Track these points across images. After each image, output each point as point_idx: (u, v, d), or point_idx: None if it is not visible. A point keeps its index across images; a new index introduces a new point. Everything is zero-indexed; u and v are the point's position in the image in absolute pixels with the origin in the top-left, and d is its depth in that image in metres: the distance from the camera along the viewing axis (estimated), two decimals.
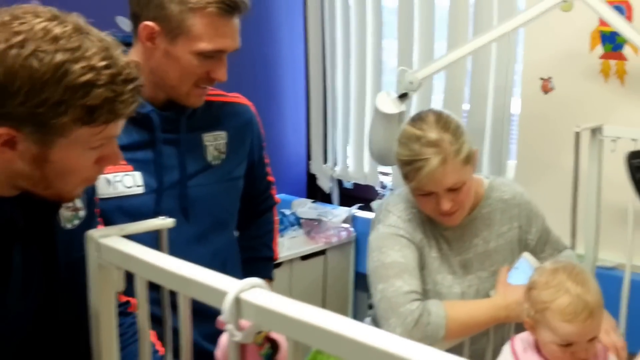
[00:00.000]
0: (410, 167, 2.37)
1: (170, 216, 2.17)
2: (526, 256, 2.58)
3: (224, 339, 1.55)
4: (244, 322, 1.21)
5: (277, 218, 2.90)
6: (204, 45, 2.19)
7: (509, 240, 2.63)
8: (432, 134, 2.37)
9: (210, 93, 2.37)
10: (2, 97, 1.43)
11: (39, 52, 1.42)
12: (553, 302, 2.13)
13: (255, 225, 2.80)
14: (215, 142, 2.43)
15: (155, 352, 1.86)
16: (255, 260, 2.76)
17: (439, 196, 2.40)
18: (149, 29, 2.17)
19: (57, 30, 1.45)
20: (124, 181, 2.25)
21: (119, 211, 2.21)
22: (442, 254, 2.55)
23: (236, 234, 2.71)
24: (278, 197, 4.58)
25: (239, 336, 1.20)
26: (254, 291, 1.20)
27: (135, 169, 2.26)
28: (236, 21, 2.25)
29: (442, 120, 2.42)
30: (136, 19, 2.21)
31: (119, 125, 1.57)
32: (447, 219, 2.48)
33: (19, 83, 1.41)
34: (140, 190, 2.28)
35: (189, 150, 2.37)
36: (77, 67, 1.44)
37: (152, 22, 2.16)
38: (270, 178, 2.79)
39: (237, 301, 1.19)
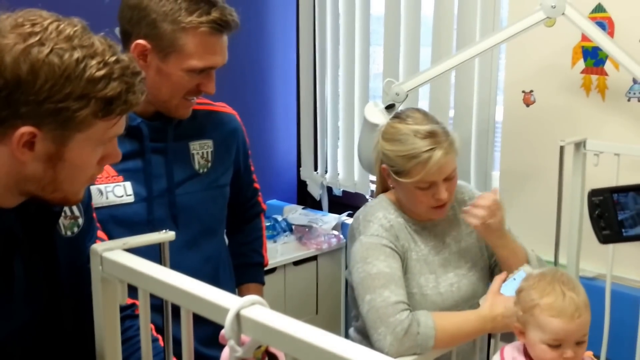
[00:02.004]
0: (416, 161, 2.43)
1: (162, 224, 2.23)
2: (526, 269, 2.60)
3: (225, 354, 1.60)
4: (245, 337, 1.24)
5: (265, 224, 2.93)
6: (195, 63, 2.22)
7: (476, 239, 2.70)
8: (427, 126, 2.45)
9: (196, 102, 2.40)
10: (24, 94, 1.48)
11: (57, 49, 1.49)
12: (541, 299, 2.17)
13: (244, 232, 2.84)
14: (201, 151, 2.47)
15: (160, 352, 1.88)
16: (246, 266, 2.80)
17: (437, 186, 2.46)
18: (140, 47, 2.20)
19: (69, 29, 1.53)
20: (115, 191, 2.29)
21: (112, 220, 2.25)
22: (421, 255, 2.59)
23: (227, 240, 2.76)
24: (269, 202, 4.63)
25: (240, 352, 1.23)
26: (254, 308, 1.22)
27: (125, 179, 2.30)
28: (225, 38, 2.28)
29: (429, 116, 2.53)
30: (127, 37, 2.24)
31: (124, 123, 1.64)
32: (439, 212, 2.55)
33: (43, 79, 1.48)
34: (130, 199, 2.31)
35: (176, 158, 2.40)
36: (93, 62, 1.52)
37: (144, 40, 2.19)
38: (257, 185, 2.83)
39: (238, 317, 1.21)
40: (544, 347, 2.18)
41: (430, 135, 2.44)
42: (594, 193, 2.07)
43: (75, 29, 1.55)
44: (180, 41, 2.20)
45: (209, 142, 2.50)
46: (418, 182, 2.46)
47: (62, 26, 1.54)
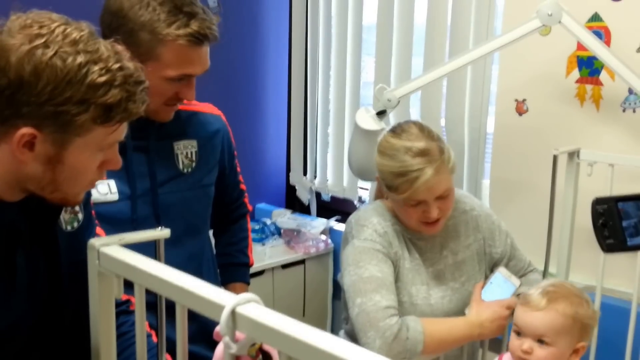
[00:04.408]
0: (403, 179, 2.39)
1: (145, 222, 2.27)
2: (501, 271, 2.63)
3: (219, 350, 1.60)
4: (239, 334, 1.24)
5: (250, 225, 2.96)
6: (172, 72, 2.24)
7: (475, 252, 2.68)
8: (421, 143, 2.41)
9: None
10: (26, 95, 1.50)
11: (61, 53, 1.51)
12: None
13: (229, 233, 2.87)
14: (185, 151, 2.48)
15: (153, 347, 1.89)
16: (231, 266, 2.83)
17: (428, 205, 2.43)
18: None
19: (75, 34, 1.55)
20: (99, 188, 2.29)
21: (95, 217, 2.26)
22: (414, 265, 2.57)
23: (213, 241, 2.79)
24: (258, 206, 4.64)
25: (234, 348, 1.23)
26: (249, 305, 1.22)
27: (108, 177, 2.30)
28: (205, 48, 2.29)
29: (426, 130, 2.47)
30: None
31: (124, 130, 1.65)
32: (430, 228, 2.51)
33: (44, 81, 1.49)
34: (114, 197, 2.33)
35: (159, 158, 2.42)
36: (96, 68, 1.53)
37: (122, 47, 2.20)
38: (243, 186, 2.84)
39: (234, 314, 1.22)
40: (512, 335, 2.23)
41: (422, 153, 2.40)
42: (598, 201, 2.06)
43: (82, 33, 1.57)
44: (157, 51, 2.21)
45: (193, 142, 2.51)
46: (406, 199, 2.44)
47: (68, 30, 1.55)
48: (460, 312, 2.60)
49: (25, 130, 1.52)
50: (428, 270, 2.60)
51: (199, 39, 2.23)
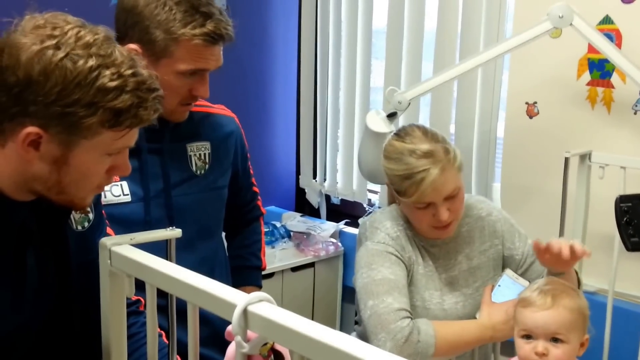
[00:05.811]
0: (410, 181, 2.39)
1: (159, 224, 2.24)
2: (508, 273, 2.61)
3: (231, 350, 1.60)
4: (251, 333, 1.24)
5: (264, 229, 2.94)
6: (185, 67, 2.23)
7: (491, 258, 2.66)
8: (425, 145, 2.41)
9: (195, 104, 2.40)
10: (34, 94, 1.50)
11: (73, 55, 1.51)
12: (522, 294, 2.24)
13: (242, 235, 2.85)
14: (199, 152, 2.47)
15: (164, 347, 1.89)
16: (244, 269, 2.81)
17: (437, 207, 2.42)
18: (132, 50, 2.21)
19: (89, 37, 1.55)
20: (112, 190, 2.29)
21: (109, 219, 2.24)
22: (428, 270, 2.56)
23: (226, 243, 2.77)
24: (268, 209, 4.63)
25: (246, 348, 1.23)
26: (261, 304, 1.23)
27: (122, 179, 2.30)
28: (219, 47, 2.29)
29: (429, 133, 2.47)
30: (120, 40, 2.21)
31: (134, 136, 1.64)
32: (442, 231, 2.51)
33: (52, 82, 1.49)
34: (127, 198, 2.33)
35: (173, 159, 2.41)
36: (107, 72, 1.52)
37: (136, 45, 2.20)
38: (256, 189, 2.83)
39: (245, 313, 1.22)
40: (519, 342, 2.21)
41: (427, 155, 2.40)
42: (622, 199, 2.05)
43: (96, 37, 1.56)
44: (171, 48, 2.21)
45: (207, 144, 2.50)
46: (414, 202, 2.43)
47: (82, 33, 1.55)
48: (473, 317, 2.59)
49: (31, 129, 1.52)
50: (441, 276, 2.59)
51: (214, 38, 2.23)
